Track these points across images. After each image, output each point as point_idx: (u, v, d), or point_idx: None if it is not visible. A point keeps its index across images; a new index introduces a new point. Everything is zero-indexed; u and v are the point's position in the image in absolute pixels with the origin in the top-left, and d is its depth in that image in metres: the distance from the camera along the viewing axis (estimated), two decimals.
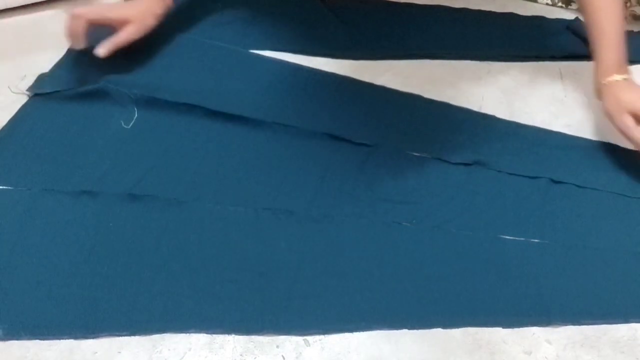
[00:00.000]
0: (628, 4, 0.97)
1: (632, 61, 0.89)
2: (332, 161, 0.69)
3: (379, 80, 0.82)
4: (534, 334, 0.55)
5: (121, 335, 0.52)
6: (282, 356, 0.52)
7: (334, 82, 0.82)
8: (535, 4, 1.02)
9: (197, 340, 0.52)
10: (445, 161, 0.70)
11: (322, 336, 0.53)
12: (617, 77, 0.72)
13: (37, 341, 0.51)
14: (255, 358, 0.51)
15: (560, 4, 1.02)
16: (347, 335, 0.53)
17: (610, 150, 0.74)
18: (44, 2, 0.92)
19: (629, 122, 0.69)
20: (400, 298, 0.56)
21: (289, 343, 0.53)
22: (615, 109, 0.71)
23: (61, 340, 0.51)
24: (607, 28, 0.74)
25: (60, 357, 0.50)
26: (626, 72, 0.74)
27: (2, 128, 0.70)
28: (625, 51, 0.74)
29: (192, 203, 0.63)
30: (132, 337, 0.52)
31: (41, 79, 0.77)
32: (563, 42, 0.92)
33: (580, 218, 0.65)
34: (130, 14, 0.75)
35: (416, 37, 0.91)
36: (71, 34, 0.74)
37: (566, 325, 0.55)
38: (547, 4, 1.02)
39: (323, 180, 0.67)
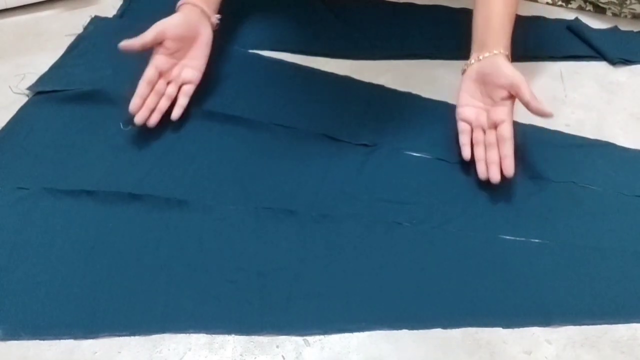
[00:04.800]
0: (627, 2, 0.97)
1: (632, 61, 0.90)
2: (332, 161, 0.69)
3: (379, 80, 0.82)
4: (534, 334, 0.55)
5: (121, 335, 0.52)
6: (282, 356, 0.52)
7: (334, 82, 0.82)
8: (535, 4, 1.02)
9: (197, 340, 0.52)
10: (445, 161, 0.70)
11: (322, 336, 0.53)
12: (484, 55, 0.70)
13: (37, 341, 0.51)
14: (255, 358, 0.51)
15: (560, 3, 1.02)
16: (347, 335, 0.53)
17: (610, 150, 0.74)
18: (44, 2, 0.92)
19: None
20: (400, 298, 0.56)
21: (289, 343, 0.53)
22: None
23: (61, 340, 0.51)
24: (494, 16, 0.71)
25: (60, 357, 0.50)
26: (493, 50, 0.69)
27: (2, 128, 0.70)
28: (507, 39, 0.71)
29: (192, 203, 0.63)
30: (132, 337, 0.52)
31: (41, 79, 0.77)
32: (563, 42, 0.92)
33: (580, 218, 0.65)
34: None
35: (416, 37, 0.91)
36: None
37: (566, 325, 0.55)
38: (547, 3, 1.02)
39: (323, 180, 0.67)
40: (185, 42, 0.72)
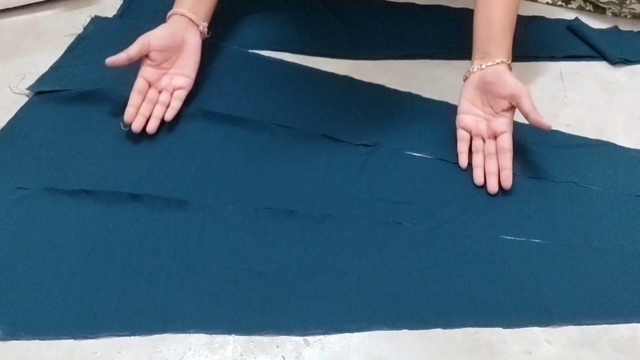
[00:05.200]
0: (627, 2, 0.97)
1: (632, 61, 0.89)
2: (332, 161, 0.69)
3: (379, 80, 0.82)
4: (534, 334, 0.55)
5: (121, 335, 0.52)
6: (282, 356, 0.52)
7: (334, 82, 0.82)
8: (535, 4, 1.02)
9: (197, 340, 0.52)
10: (445, 161, 0.70)
11: (322, 336, 0.53)
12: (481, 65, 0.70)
13: (37, 341, 0.51)
14: (255, 358, 0.51)
15: (560, 3, 1.02)
16: (347, 335, 0.53)
17: (610, 150, 0.74)
18: (44, 2, 0.92)
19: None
20: (400, 298, 0.56)
21: (289, 343, 0.53)
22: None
23: (61, 340, 0.51)
24: (495, 22, 0.70)
25: (60, 357, 0.50)
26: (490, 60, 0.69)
27: (2, 128, 0.71)
28: (508, 47, 0.70)
29: (192, 203, 0.63)
30: (132, 337, 0.52)
31: (41, 79, 0.77)
32: (563, 42, 0.92)
33: (580, 218, 0.65)
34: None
35: (416, 37, 0.91)
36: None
37: (566, 325, 0.55)
38: (547, 3, 1.02)
39: (323, 180, 0.67)
40: (172, 52, 0.73)
